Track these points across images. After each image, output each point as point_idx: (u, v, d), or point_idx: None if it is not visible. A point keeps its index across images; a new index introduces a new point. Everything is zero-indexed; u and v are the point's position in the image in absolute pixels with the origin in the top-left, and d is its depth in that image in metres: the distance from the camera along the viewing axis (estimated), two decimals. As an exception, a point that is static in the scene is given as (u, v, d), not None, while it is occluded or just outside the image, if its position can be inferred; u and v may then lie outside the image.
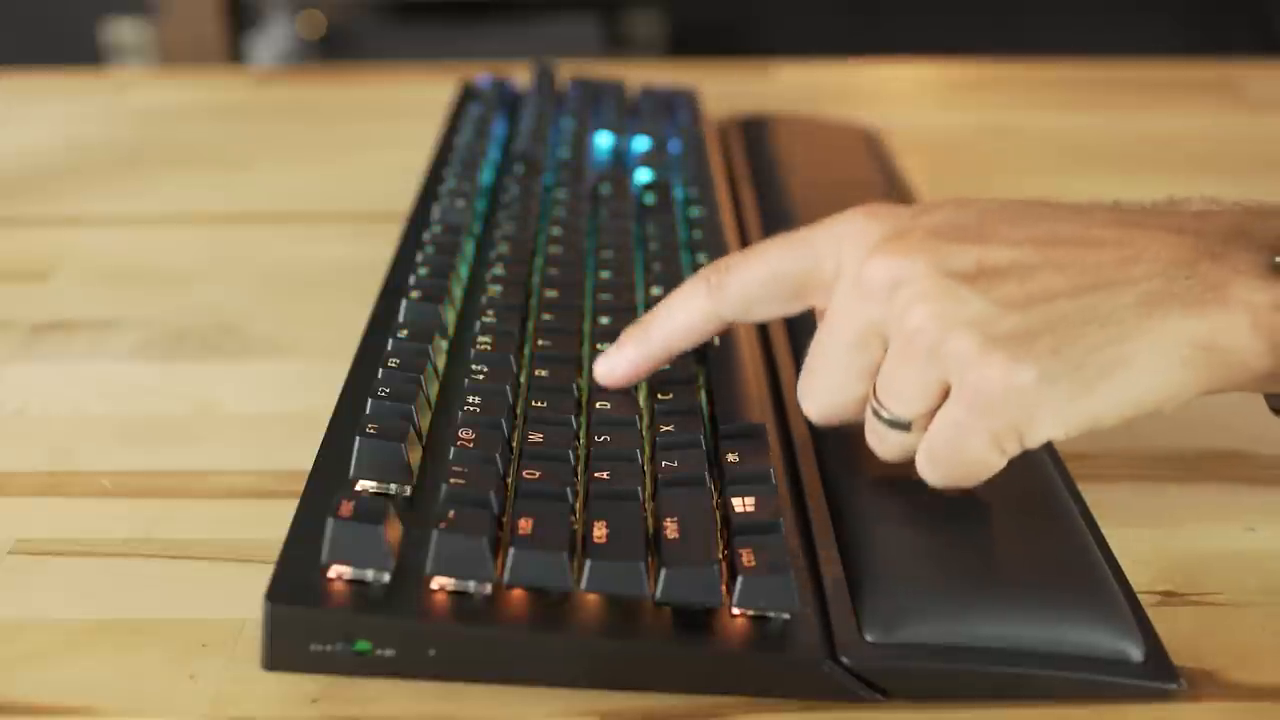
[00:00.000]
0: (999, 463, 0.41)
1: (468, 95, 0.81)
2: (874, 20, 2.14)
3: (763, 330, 0.55)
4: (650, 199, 0.65)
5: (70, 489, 0.49)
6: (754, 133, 0.80)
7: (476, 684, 0.38)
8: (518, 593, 0.38)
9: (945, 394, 0.41)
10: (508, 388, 0.46)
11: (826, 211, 0.45)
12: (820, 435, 0.47)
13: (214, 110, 0.94)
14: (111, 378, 0.57)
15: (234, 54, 1.88)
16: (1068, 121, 0.93)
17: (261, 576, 0.38)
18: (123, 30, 2.01)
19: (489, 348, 0.49)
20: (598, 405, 0.46)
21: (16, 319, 0.62)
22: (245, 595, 0.40)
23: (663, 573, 0.38)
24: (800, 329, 0.53)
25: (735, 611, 0.38)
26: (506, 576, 0.38)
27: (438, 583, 0.38)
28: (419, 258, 0.56)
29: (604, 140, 0.73)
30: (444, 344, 0.50)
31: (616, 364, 0.47)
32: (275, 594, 0.37)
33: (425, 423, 0.45)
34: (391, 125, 0.90)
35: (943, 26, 2.09)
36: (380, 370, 0.46)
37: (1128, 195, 0.44)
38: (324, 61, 1.96)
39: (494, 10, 2.01)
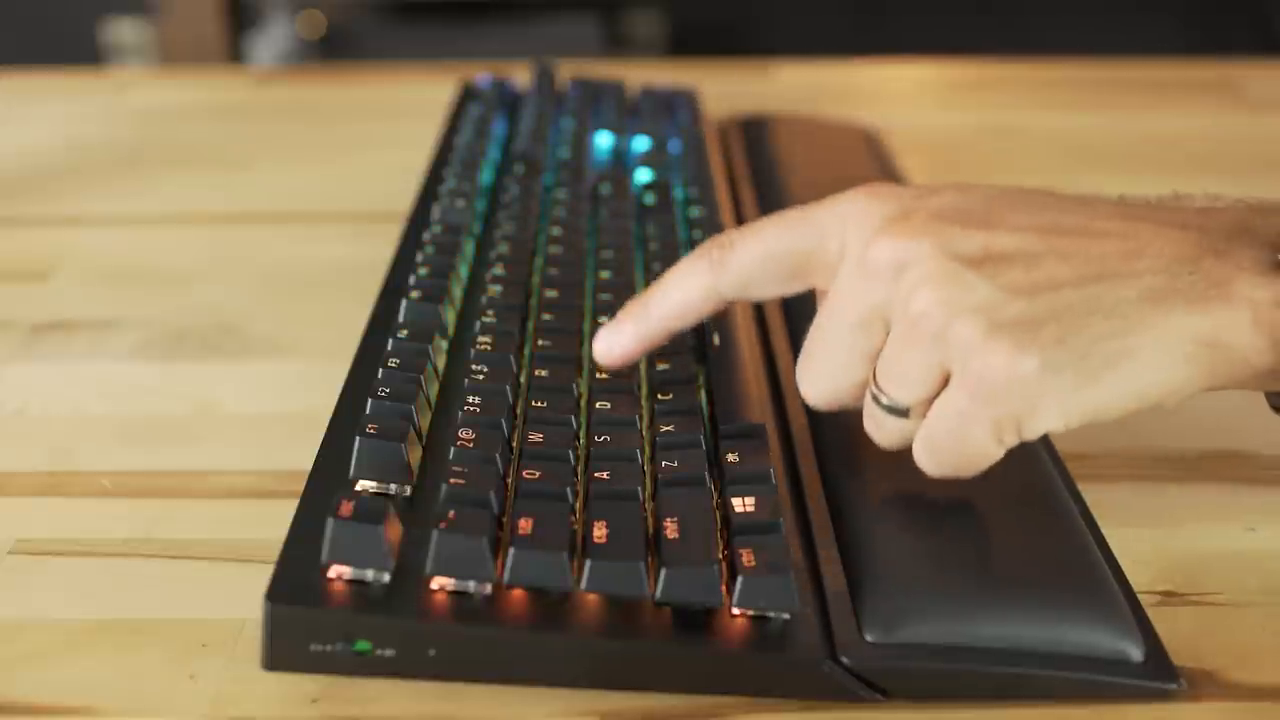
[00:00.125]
0: (997, 453, 0.41)
1: (468, 95, 0.81)
2: (875, 20, 2.14)
3: (762, 329, 0.55)
4: (650, 199, 0.65)
5: (70, 489, 0.49)
6: (754, 133, 0.80)
7: (476, 684, 0.38)
8: (518, 593, 0.38)
9: (946, 380, 0.40)
10: (508, 388, 0.46)
11: None
12: (820, 435, 0.47)
13: (214, 110, 0.94)
14: (111, 378, 0.57)
15: (234, 54, 1.88)
16: (1068, 121, 0.93)
17: (261, 576, 0.38)
18: (123, 30, 2.01)
19: (489, 348, 0.49)
20: (598, 405, 0.46)
21: (16, 319, 0.62)
22: (245, 595, 0.40)
23: (663, 573, 0.38)
24: (799, 324, 0.53)
25: (735, 611, 0.38)
26: (506, 576, 0.38)
27: (438, 583, 0.38)
28: (419, 258, 0.56)
29: (604, 140, 0.73)
30: (444, 344, 0.50)
31: (615, 340, 0.47)
32: (275, 594, 0.37)
33: (425, 423, 0.45)
34: (391, 125, 0.90)
35: (943, 26, 2.09)
36: (380, 370, 0.46)
37: (1128, 195, 0.44)
38: (324, 61, 1.97)
39: (494, 10, 2.01)
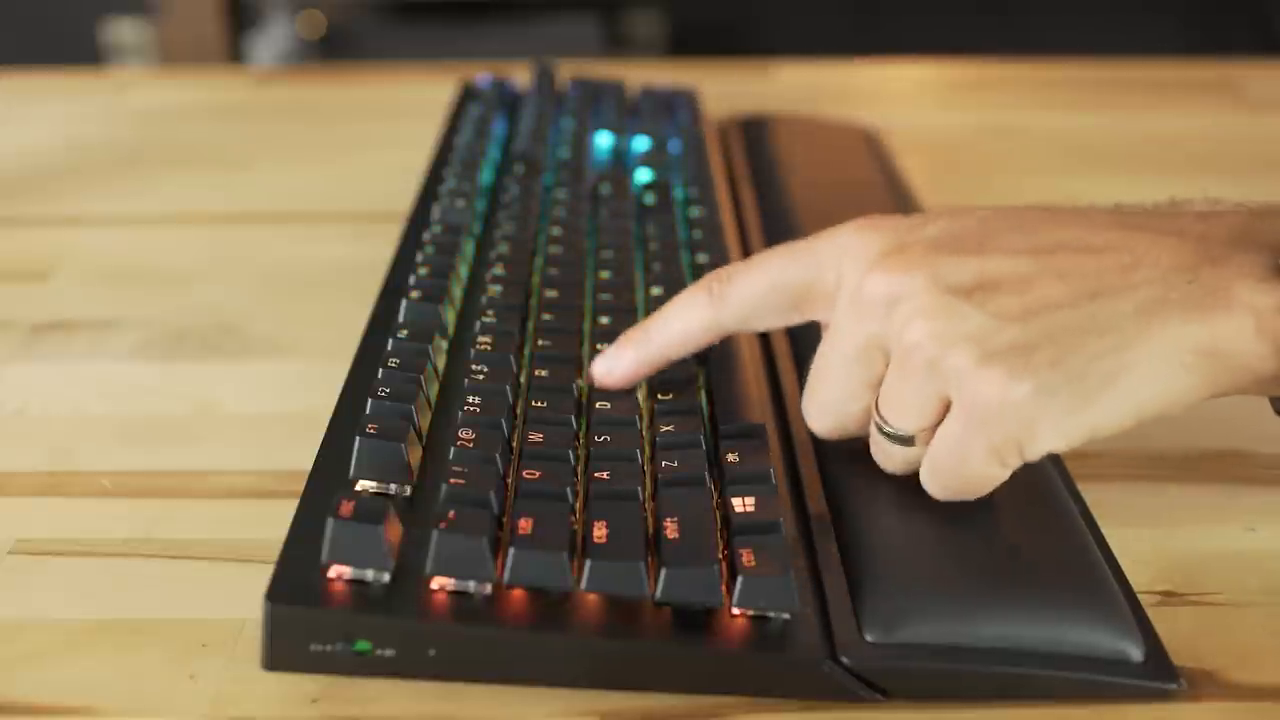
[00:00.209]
0: (1001, 475, 0.41)
1: (468, 95, 0.81)
2: (875, 20, 2.14)
3: (763, 332, 0.55)
4: (650, 199, 0.65)
5: (70, 489, 0.49)
6: (754, 133, 0.80)
7: (476, 684, 0.38)
8: (518, 593, 0.38)
9: (947, 408, 0.41)
10: (508, 388, 0.46)
11: (827, 212, 0.45)
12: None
13: (214, 110, 0.94)
14: (111, 378, 0.57)
15: (234, 54, 1.88)
16: (1068, 121, 0.93)
17: (261, 576, 0.38)
18: (123, 30, 2.01)
19: (489, 348, 0.49)
20: (598, 405, 0.46)
21: (16, 319, 0.62)
22: (245, 595, 0.40)
23: (663, 573, 0.38)
24: (800, 330, 0.53)
25: (735, 611, 0.38)
26: (506, 576, 0.38)
27: (438, 583, 0.38)
28: (419, 258, 0.56)
29: (604, 140, 0.73)
30: (444, 344, 0.50)
31: (615, 366, 0.47)
32: (275, 594, 0.37)
33: (425, 423, 0.45)
34: (391, 125, 0.90)
35: (943, 26, 2.09)
36: (380, 370, 0.46)
37: (1128, 195, 0.44)
38: (324, 61, 1.96)
39: (494, 10, 2.01)
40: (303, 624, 0.37)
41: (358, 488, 0.41)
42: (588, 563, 0.38)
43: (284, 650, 0.38)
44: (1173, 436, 0.51)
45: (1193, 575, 0.44)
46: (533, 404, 0.46)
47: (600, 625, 0.38)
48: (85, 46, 1.99)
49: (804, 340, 0.49)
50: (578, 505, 0.42)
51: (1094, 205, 0.44)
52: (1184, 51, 1.30)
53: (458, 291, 0.55)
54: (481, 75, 0.83)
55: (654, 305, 0.48)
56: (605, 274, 0.56)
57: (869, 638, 0.39)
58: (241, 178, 0.81)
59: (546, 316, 0.52)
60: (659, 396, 0.47)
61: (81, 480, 0.50)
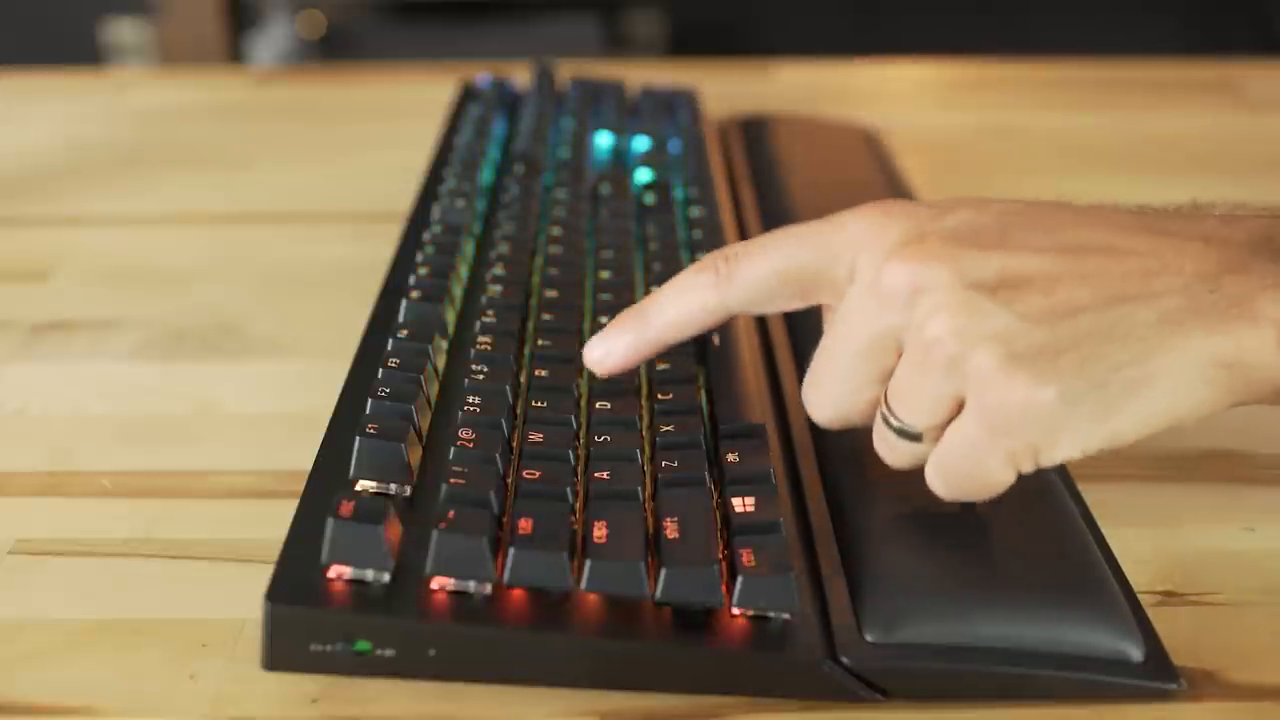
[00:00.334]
0: (1011, 479, 0.40)
1: (468, 95, 0.81)
2: (874, 20, 2.14)
3: (763, 329, 0.55)
4: (650, 199, 0.65)
5: (70, 489, 0.49)
6: (754, 133, 0.80)
7: (476, 684, 0.38)
8: (518, 593, 0.38)
9: (960, 406, 0.39)
10: (508, 388, 0.46)
11: (826, 212, 0.44)
12: (820, 435, 0.47)
13: (214, 110, 0.94)
14: (111, 378, 0.57)
15: (234, 54, 1.88)
16: (1067, 121, 0.93)
17: (261, 576, 0.38)
18: (123, 30, 2.01)
19: (489, 348, 0.49)
20: (598, 405, 0.46)
21: (16, 319, 0.62)
22: (245, 595, 0.40)
23: (663, 573, 0.38)
24: (801, 329, 0.53)
25: (735, 611, 0.38)
26: (506, 576, 0.38)
27: (438, 583, 0.38)
28: (419, 258, 0.56)
29: (604, 140, 0.73)
30: (444, 344, 0.50)
31: (611, 349, 0.46)
32: (275, 594, 0.37)
33: (425, 423, 0.45)
34: (391, 125, 0.90)
35: (943, 26, 2.09)
36: (380, 370, 0.46)
37: (1127, 195, 0.44)
38: (324, 61, 1.97)
39: (494, 10, 2.01)
40: (303, 624, 0.37)
41: (358, 488, 0.41)
42: (588, 563, 0.38)
43: (284, 650, 0.38)
44: (1173, 436, 0.51)
45: (1193, 575, 0.44)
46: (533, 404, 0.46)
47: (600, 625, 0.38)
48: (85, 46, 1.99)
49: (804, 336, 0.49)
50: (578, 505, 0.42)
51: (1115, 204, 0.42)
52: (1184, 51, 1.30)
53: (458, 291, 0.55)
54: (481, 75, 0.83)
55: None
56: (605, 274, 0.56)
57: (869, 638, 0.39)
58: (241, 178, 0.81)
59: (546, 316, 0.52)
60: (659, 396, 0.47)
61: (81, 480, 0.50)
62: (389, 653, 0.38)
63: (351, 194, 0.78)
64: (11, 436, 0.53)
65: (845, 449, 0.46)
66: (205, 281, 0.67)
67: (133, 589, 0.44)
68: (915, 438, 0.41)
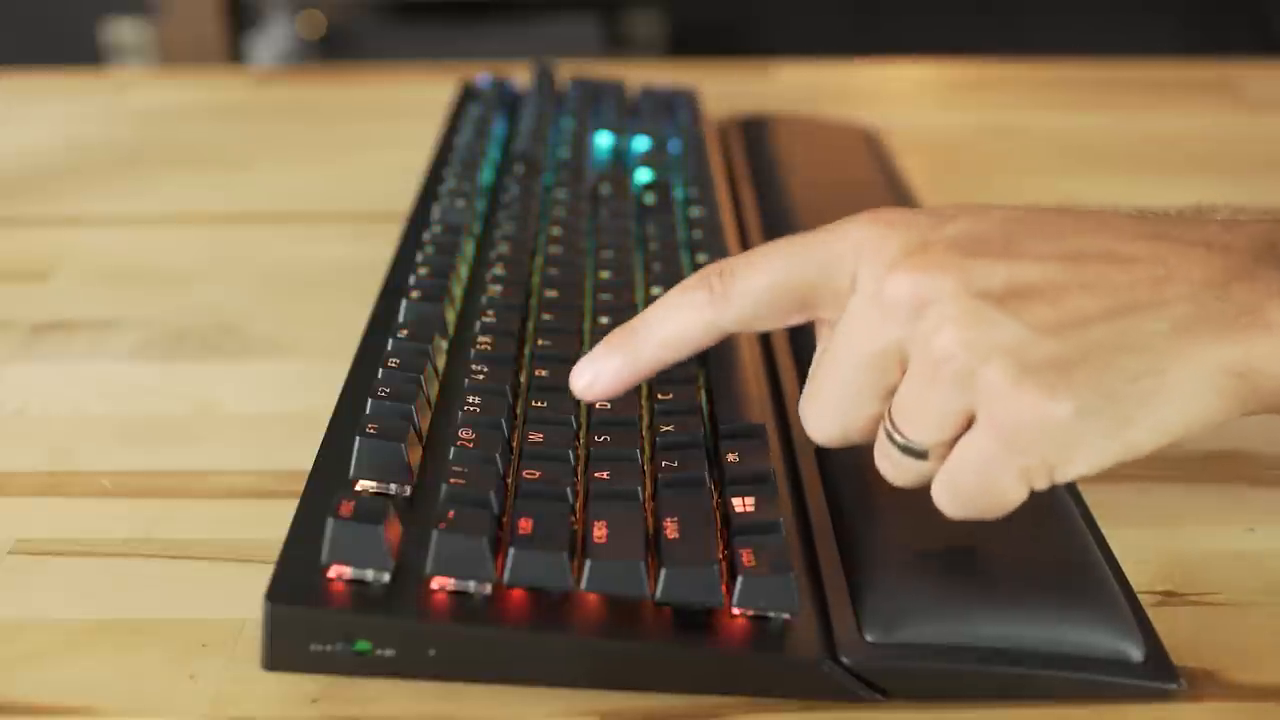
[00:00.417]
0: (1024, 497, 0.39)
1: (468, 95, 0.81)
2: (874, 20, 2.14)
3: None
4: (650, 199, 0.65)
5: (70, 489, 0.49)
6: (754, 133, 0.80)
7: (476, 684, 0.38)
8: (518, 593, 0.38)
9: (968, 421, 0.38)
10: (508, 388, 0.46)
11: (827, 211, 0.43)
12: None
13: (214, 110, 0.94)
14: (111, 378, 0.57)
15: (234, 54, 1.88)
16: (1067, 121, 0.93)
17: (261, 576, 0.38)
18: (123, 30, 2.01)
19: (489, 348, 0.49)
20: (598, 405, 0.46)
21: (16, 319, 0.62)
22: (245, 595, 0.40)
23: (663, 573, 0.38)
24: (801, 328, 0.53)
25: (735, 611, 0.38)
26: (506, 576, 0.38)
27: (438, 583, 0.38)
28: (419, 258, 0.56)
29: (604, 140, 0.73)
30: (444, 344, 0.50)
31: (601, 373, 0.44)
32: (275, 594, 0.37)
33: (425, 423, 0.45)
34: (391, 125, 0.90)
35: (943, 26, 2.09)
36: (380, 370, 0.46)
37: (1127, 195, 0.44)
38: (324, 61, 1.97)
39: (494, 10, 2.01)
40: (303, 624, 0.37)
41: (358, 488, 0.41)
42: (588, 563, 0.38)
43: (284, 650, 0.38)
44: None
45: (1193, 575, 0.44)
46: (533, 404, 0.46)
47: (600, 625, 0.38)
48: (85, 46, 1.99)
49: (804, 338, 0.49)
50: (578, 505, 0.42)
51: (1114, 208, 0.42)
52: (1183, 51, 1.30)
53: (458, 291, 0.55)
54: (481, 75, 0.83)
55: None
56: (605, 274, 0.56)
57: (869, 638, 0.39)
58: (241, 178, 0.81)
59: (546, 316, 0.52)
60: (659, 396, 0.47)
61: (81, 480, 0.50)
62: (389, 653, 0.38)
63: (351, 194, 0.78)
64: (11, 436, 0.53)
65: (845, 449, 0.46)
66: (205, 281, 0.67)
67: (133, 589, 0.44)
68: (921, 455, 0.39)
